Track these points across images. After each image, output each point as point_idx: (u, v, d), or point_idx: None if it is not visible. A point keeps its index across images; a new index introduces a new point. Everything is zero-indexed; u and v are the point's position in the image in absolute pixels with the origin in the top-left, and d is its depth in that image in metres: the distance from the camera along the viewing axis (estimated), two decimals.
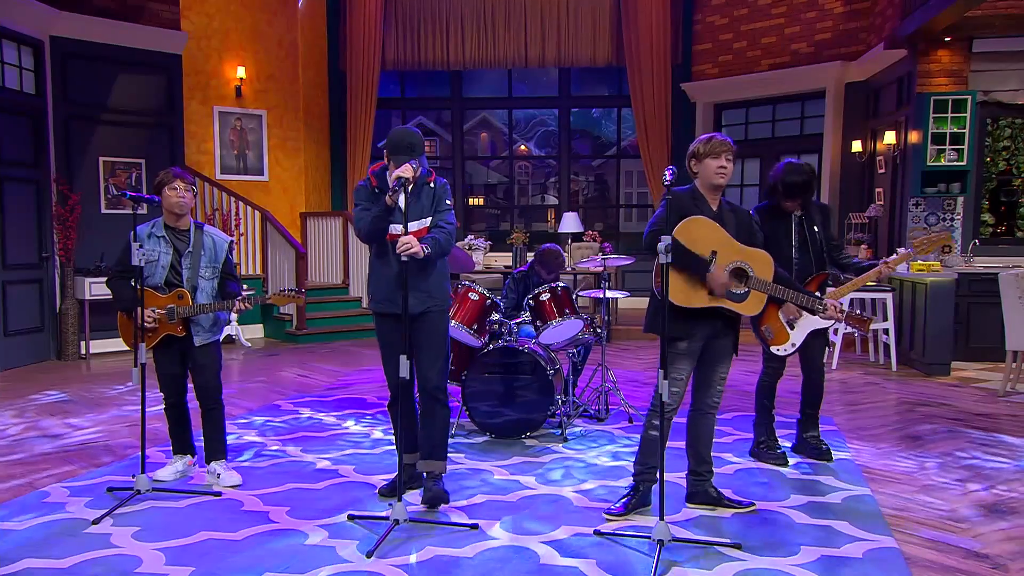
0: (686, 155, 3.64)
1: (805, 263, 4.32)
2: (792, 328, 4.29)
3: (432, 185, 3.74)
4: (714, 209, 3.58)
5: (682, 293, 3.44)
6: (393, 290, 3.67)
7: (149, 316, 3.95)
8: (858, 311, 3.30)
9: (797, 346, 4.32)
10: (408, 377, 3.44)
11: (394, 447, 4.65)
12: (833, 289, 4.30)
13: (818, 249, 4.34)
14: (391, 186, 3.50)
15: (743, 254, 3.52)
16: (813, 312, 3.84)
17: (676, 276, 3.41)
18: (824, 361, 4.52)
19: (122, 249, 4.02)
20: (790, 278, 3.80)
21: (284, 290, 4.16)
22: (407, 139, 3.62)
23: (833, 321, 4.23)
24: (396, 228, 3.58)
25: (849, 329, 7.35)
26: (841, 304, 3.68)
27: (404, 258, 3.43)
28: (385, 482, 4.06)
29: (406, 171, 3.44)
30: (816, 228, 4.35)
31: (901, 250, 4.29)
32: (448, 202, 3.75)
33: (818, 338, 4.42)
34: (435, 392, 3.77)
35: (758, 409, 4.55)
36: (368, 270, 3.91)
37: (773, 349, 4.31)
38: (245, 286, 4.25)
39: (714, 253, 3.41)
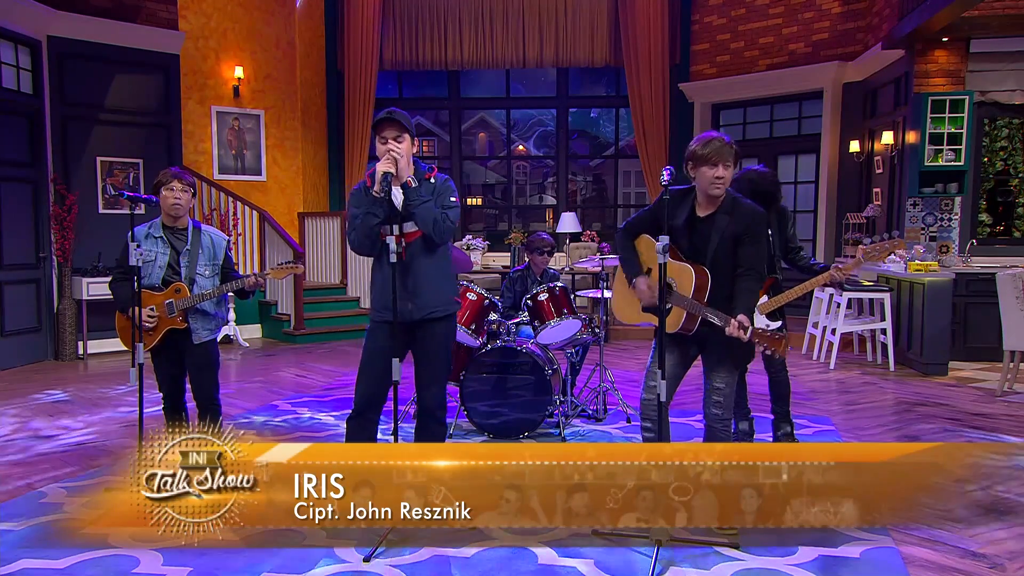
0: (684, 155, 3.42)
1: None
2: None
3: (433, 181, 3.55)
4: (701, 215, 3.38)
5: (621, 307, 3.63)
6: (395, 297, 3.42)
7: (148, 316, 3.94)
8: (770, 326, 2.73)
9: None
10: (396, 380, 3.31)
11: None
12: (769, 299, 4.32)
13: (770, 254, 4.31)
14: (376, 185, 3.37)
15: (674, 269, 3.36)
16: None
17: (620, 288, 3.63)
18: (784, 359, 4.50)
19: (122, 250, 4.02)
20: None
21: (281, 263, 4.17)
22: (384, 115, 3.41)
23: (775, 323, 4.33)
24: (384, 229, 3.43)
25: (850, 329, 7.37)
26: (742, 322, 3.20)
27: (381, 192, 3.31)
28: None
29: (387, 165, 3.35)
30: (770, 233, 4.31)
31: (855, 256, 4.32)
32: (453, 199, 3.55)
33: None
34: (435, 412, 3.65)
35: None
36: (370, 280, 3.73)
37: None
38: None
39: (649, 270, 3.46)
